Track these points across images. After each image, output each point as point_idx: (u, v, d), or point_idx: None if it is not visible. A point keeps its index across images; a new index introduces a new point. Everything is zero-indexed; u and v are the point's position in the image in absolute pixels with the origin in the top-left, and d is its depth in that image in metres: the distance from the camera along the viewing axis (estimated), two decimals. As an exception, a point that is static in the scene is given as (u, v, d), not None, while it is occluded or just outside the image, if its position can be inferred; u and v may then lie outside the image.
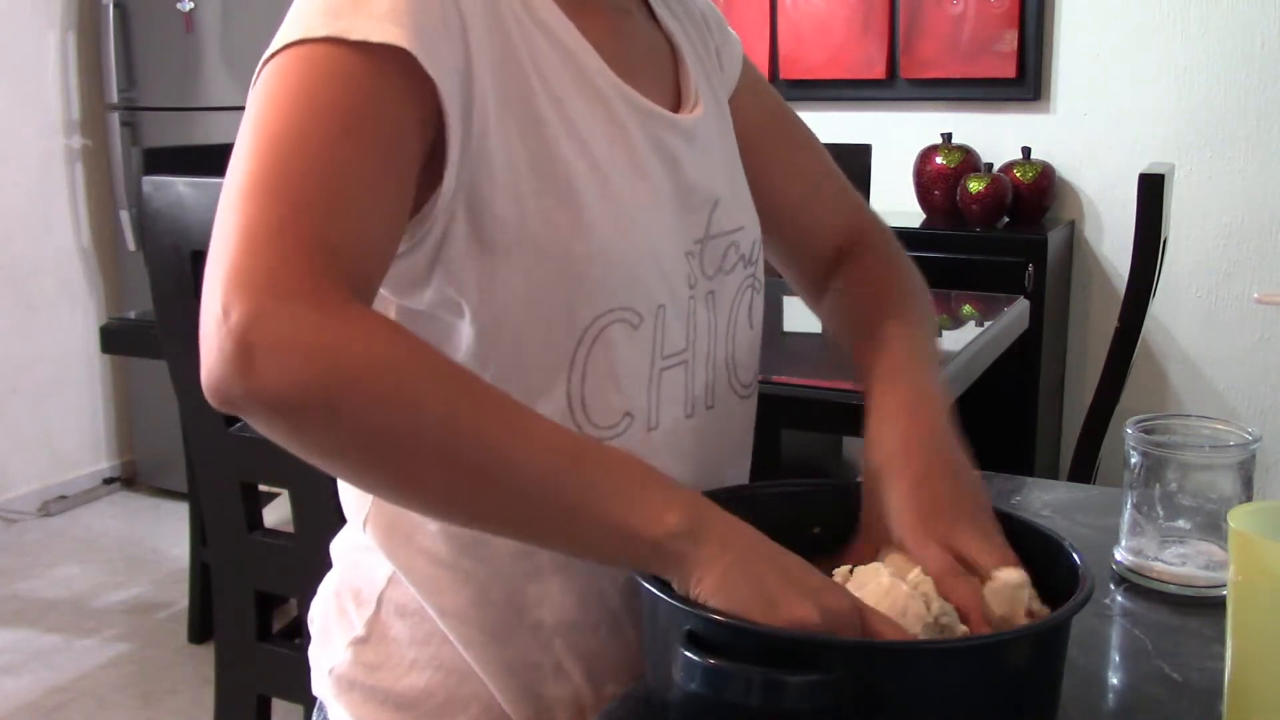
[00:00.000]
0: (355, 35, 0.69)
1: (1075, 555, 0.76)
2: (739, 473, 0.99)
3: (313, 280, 0.64)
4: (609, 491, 0.69)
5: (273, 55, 0.71)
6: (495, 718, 0.87)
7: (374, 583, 0.90)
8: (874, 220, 1.07)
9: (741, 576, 0.68)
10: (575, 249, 0.78)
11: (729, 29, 1.04)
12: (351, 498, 0.90)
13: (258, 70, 0.72)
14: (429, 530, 0.85)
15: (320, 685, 0.94)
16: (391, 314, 0.82)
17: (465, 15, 0.75)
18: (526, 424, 0.69)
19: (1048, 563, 0.77)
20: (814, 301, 1.08)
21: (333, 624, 0.93)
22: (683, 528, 0.68)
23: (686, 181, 0.88)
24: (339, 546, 0.96)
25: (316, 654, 0.95)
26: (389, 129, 0.71)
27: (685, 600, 0.68)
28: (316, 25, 0.70)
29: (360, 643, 0.90)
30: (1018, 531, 0.80)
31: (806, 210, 1.05)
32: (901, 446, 0.83)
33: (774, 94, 1.07)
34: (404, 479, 0.68)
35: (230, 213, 0.66)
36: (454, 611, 0.86)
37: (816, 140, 1.08)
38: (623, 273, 0.81)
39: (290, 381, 0.63)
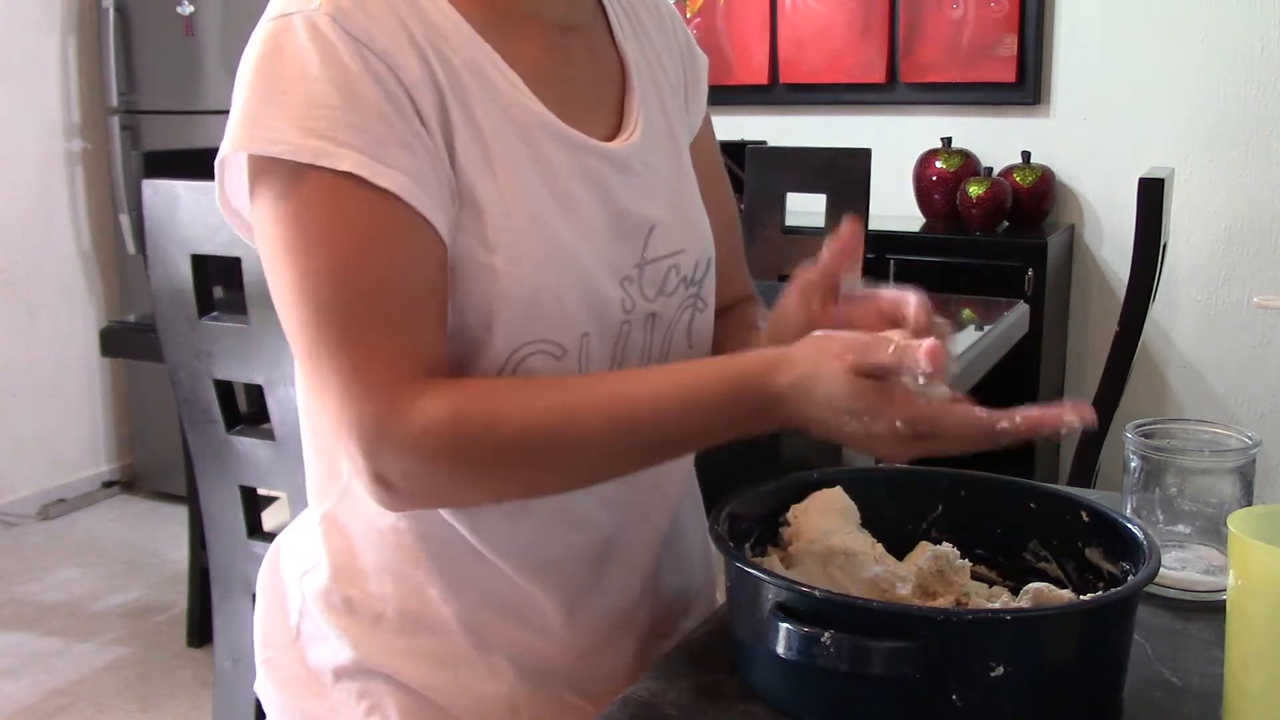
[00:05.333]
0: (322, 161, 0.75)
1: (1134, 528, 0.83)
2: (681, 485, 1.00)
3: (394, 402, 0.76)
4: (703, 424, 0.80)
5: (252, 157, 0.78)
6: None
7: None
8: (755, 293, 1.12)
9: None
10: (492, 289, 0.81)
11: (698, 51, 1.04)
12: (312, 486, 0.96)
13: (247, 172, 0.80)
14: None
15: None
16: None
17: (407, 86, 0.79)
18: (610, 396, 0.80)
19: (1110, 536, 0.86)
20: None
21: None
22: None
23: (619, 208, 0.89)
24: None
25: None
26: (392, 224, 0.77)
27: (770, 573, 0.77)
28: (284, 146, 0.76)
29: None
30: (1077, 507, 0.89)
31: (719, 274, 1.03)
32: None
33: (718, 159, 1.08)
34: (545, 486, 0.84)
35: (311, 361, 0.78)
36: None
37: (736, 212, 1.10)
38: (540, 310, 0.83)
39: (422, 498, 0.83)
